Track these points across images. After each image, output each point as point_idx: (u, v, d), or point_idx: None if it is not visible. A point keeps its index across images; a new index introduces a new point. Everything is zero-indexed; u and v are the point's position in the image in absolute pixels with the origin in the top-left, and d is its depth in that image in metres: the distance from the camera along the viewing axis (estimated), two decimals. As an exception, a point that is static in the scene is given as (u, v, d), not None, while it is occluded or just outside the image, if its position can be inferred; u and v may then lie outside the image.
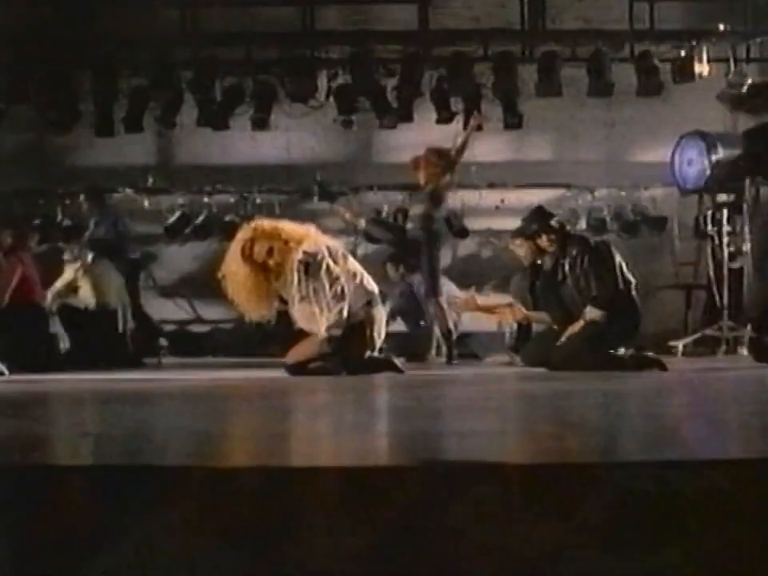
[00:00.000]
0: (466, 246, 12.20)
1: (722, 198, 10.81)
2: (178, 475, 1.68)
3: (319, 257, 6.67)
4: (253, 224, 6.93)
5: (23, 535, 1.61)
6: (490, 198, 12.20)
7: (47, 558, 1.61)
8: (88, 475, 1.70)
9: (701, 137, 10.80)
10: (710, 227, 10.70)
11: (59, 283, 9.39)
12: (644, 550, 1.59)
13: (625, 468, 1.70)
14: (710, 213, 10.80)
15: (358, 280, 6.84)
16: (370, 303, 6.87)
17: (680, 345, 10.35)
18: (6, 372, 7.11)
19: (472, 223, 12.04)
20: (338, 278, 6.67)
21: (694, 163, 10.86)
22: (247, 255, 6.68)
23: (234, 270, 6.71)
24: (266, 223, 6.91)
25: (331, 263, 6.70)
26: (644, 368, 6.73)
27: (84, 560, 1.60)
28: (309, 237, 6.79)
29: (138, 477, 1.68)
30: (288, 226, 6.83)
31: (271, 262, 6.66)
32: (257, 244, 6.69)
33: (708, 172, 10.64)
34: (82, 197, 11.05)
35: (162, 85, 11.73)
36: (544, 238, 7.19)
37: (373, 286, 6.96)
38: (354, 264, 6.95)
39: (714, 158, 10.57)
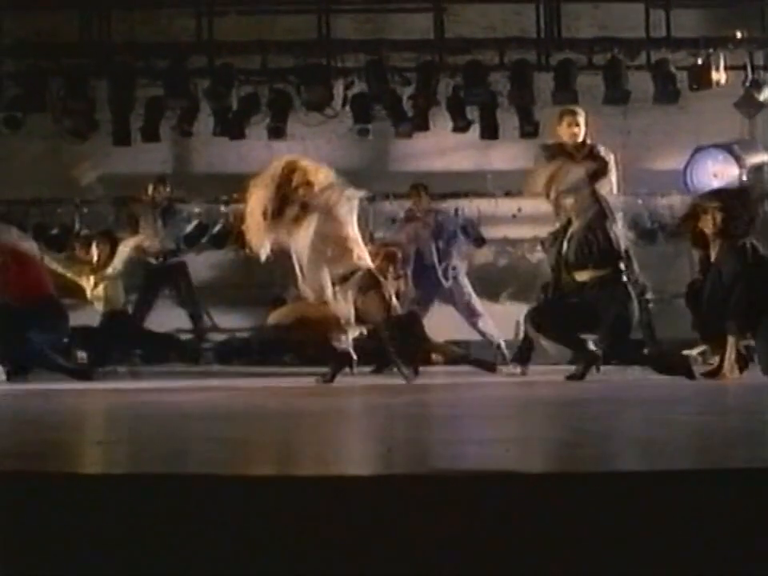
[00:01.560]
0: (482, 255, 12.19)
1: None
2: (206, 483, 1.69)
3: None
4: (296, 158, 7.12)
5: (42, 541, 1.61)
6: (506, 206, 12.18)
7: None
8: (112, 484, 1.70)
9: (727, 149, 10.77)
10: None
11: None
12: (659, 556, 1.59)
13: (637, 477, 1.69)
14: None
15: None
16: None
17: (695, 353, 10.29)
18: (4, 377, 7.02)
19: (488, 231, 12.01)
20: None
21: (722, 177, 10.81)
22: (281, 180, 6.82)
23: (259, 183, 6.86)
24: (307, 163, 7.02)
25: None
26: (670, 372, 6.71)
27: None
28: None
29: (167, 484, 1.68)
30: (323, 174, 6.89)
31: (295, 200, 6.71)
32: (295, 175, 6.80)
33: (737, 184, 10.62)
34: None
35: (178, 94, 11.76)
36: None
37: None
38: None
39: (747, 167, 10.58)
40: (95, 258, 9.65)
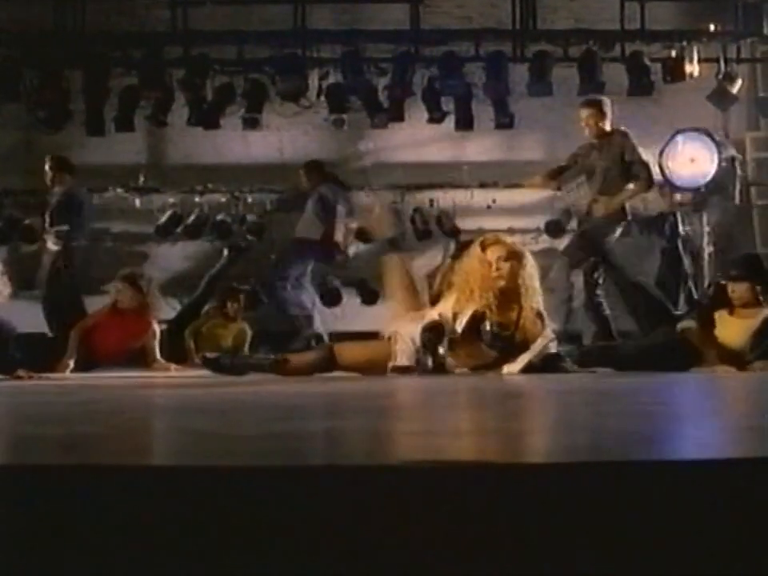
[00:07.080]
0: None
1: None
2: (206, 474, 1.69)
3: None
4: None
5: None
6: (481, 197, 12.21)
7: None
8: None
9: (707, 135, 10.77)
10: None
11: None
12: (630, 550, 1.60)
13: (608, 468, 1.70)
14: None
15: None
16: None
17: None
18: None
19: (463, 223, 12.04)
20: None
21: (699, 162, 10.77)
22: (483, 248, 6.92)
23: (469, 258, 6.95)
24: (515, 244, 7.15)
25: None
26: None
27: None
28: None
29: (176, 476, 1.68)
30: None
31: (494, 270, 6.78)
32: (495, 246, 6.88)
33: (713, 172, 10.64)
34: None
35: (152, 84, 11.71)
36: None
37: None
38: None
39: (723, 156, 10.61)
40: None
